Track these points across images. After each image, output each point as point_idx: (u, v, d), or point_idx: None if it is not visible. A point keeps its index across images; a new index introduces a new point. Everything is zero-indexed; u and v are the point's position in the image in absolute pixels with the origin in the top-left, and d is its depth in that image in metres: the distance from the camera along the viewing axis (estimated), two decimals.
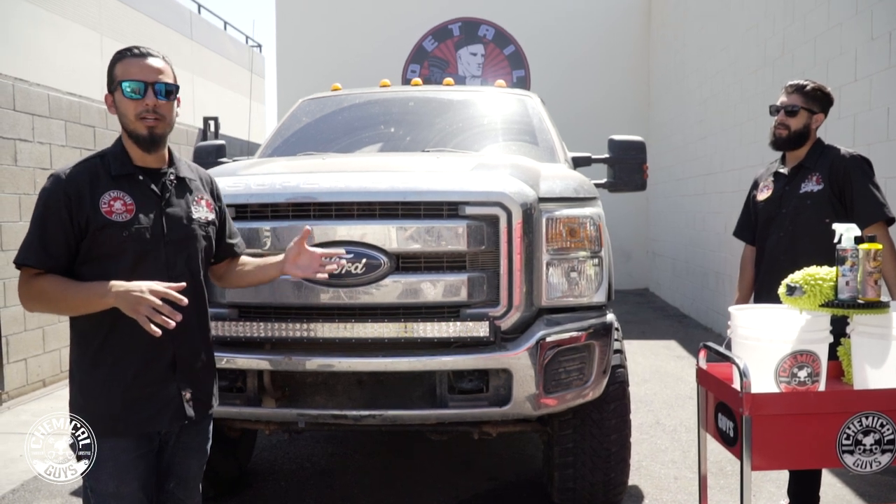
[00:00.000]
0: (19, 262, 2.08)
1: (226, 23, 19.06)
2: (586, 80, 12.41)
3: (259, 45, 21.36)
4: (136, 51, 2.17)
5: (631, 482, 4.04)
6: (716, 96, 8.50)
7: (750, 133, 7.12)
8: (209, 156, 4.75)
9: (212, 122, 9.91)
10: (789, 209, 3.16)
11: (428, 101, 4.87)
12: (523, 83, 12.63)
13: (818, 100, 3.17)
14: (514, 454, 4.52)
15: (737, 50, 7.77)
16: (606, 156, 4.63)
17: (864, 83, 4.98)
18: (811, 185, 3.14)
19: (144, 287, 1.98)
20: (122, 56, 2.17)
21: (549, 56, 12.54)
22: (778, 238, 3.19)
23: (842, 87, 5.18)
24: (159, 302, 1.96)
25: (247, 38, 21.55)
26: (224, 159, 4.69)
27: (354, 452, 4.59)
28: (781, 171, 3.27)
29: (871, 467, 2.46)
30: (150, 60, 2.15)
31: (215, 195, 2.42)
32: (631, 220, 12.34)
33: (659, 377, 6.31)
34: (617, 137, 4.66)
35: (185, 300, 2.02)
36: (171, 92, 2.17)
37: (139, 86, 2.11)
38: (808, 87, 3.16)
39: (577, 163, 4.65)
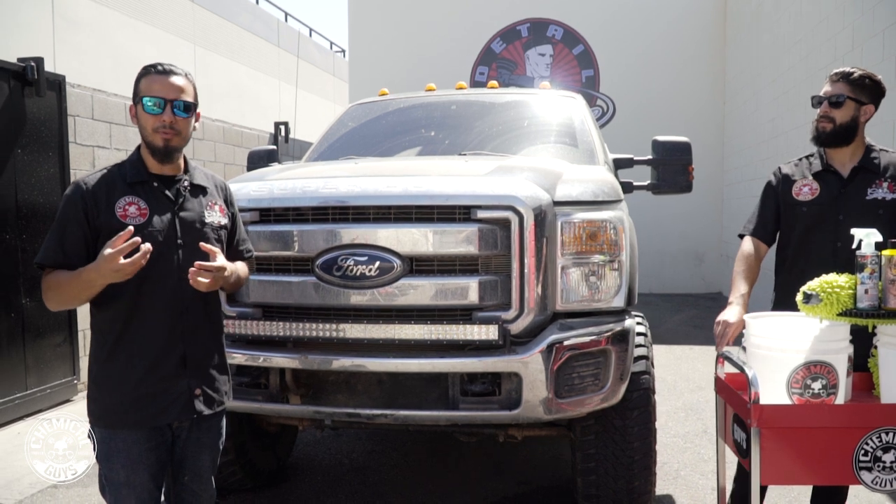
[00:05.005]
0: (38, 262, 2.22)
1: (311, 29, 19.70)
2: (658, 77, 12.10)
3: (343, 51, 21.99)
4: (160, 68, 2.29)
5: (667, 491, 3.96)
6: (787, 93, 8.13)
7: None
8: (261, 160, 4.95)
9: (282, 127, 10.25)
10: (849, 216, 2.82)
11: (470, 104, 4.90)
12: (592, 83, 12.46)
13: (867, 89, 2.82)
14: (548, 459, 4.49)
15: (808, 44, 7.41)
16: (650, 157, 4.54)
17: None
18: (882, 192, 2.82)
19: (108, 255, 2.03)
20: (147, 72, 2.30)
21: (620, 54, 12.30)
22: (833, 247, 2.86)
23: None
24: (127, 261, 2.03)
25: (331, 43, 22.23)
26: (275, 164, 4.87)
27: (392, 451, 4.67)
28: (832, 170, 2.93)
29: (891, 486, 2.34)
30: (173, 78, 2.27)
31: (228, 201, 2.53)
32: (704, 221, 11.96)
33: None
34: (661, 138, 4.56)
35: (139, 240, 2.07)
36: (189, 109, 2.28)
37: (159, 101, 2.24)
38: (856, 75, 2.82)
39: (619, 164, 4.57)
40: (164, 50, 9.80)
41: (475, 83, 12.56)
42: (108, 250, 2.04)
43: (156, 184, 2.31)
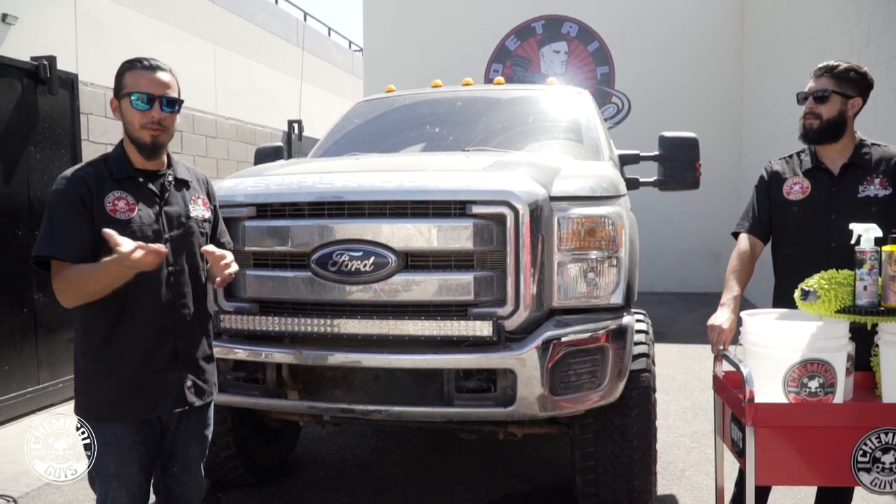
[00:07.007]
0: (42, 255, 2.13)
1: (330, 29, 19.80)
2: (674, 74, 11.98)
3: (361, 50, 22.09)
4: (146, 63, 2.27)
5: (671, 491, 3.92)
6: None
7: None
8: (267, 157, 4.96)
9: (295, 125, 10.28)
10: (842, 215, 2.73)
11: (475, 100, 4.88)
12: (608, 79, 12.37)
13: (852, 82, 2.75)
14: (551, 457, 4.45)
15: (825, 39, 7.30)
16: (656, 153, 4.49)
17: None
18: (874, 189, 2.75)
19: (130, 251, 1.97)
20: (132, 66, 2.27)
21: (635, 50, 12.20)
22: (827, 247, 2.78)
23: None
24: (149, 256, 2.00)
25: (350, 42, 22.31)
26: (281, 161, 4.88)
27: (395, 447, 4.66)
28: (822, 167, 2.85)
29: (891, 487, 2.28)
30: (160, 74, 2.26)
31: (210, 194, 2.54)
32: (721, 218, 11.78)
33: None
34: (668, 134, 4.51)
35: (164, 248, 2.06)
36: (175, 104, 2.28)
37: (147, 97, 2.22)
38: (840, 68, 2.77)
39: (625, 161, 4.53)
40: (186, 51, 9.88)
41: (490, 80, 12.52)
42: (132, 249, 1.98)
43: (141, 179, 2.30)
